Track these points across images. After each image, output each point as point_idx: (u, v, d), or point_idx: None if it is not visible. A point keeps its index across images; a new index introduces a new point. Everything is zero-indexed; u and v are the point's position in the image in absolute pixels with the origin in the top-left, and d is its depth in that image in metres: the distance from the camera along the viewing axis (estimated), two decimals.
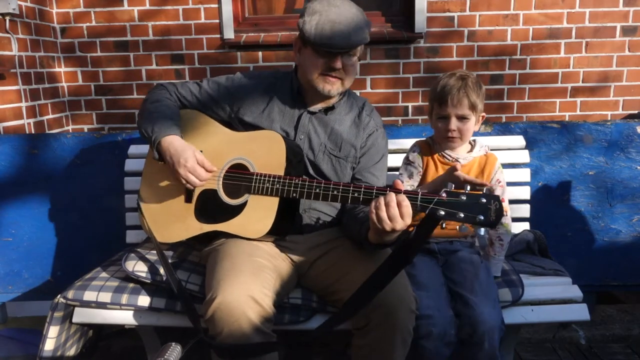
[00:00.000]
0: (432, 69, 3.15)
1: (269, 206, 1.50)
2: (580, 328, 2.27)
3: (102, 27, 3.16)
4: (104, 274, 1.72)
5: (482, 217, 1.22)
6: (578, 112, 3.22)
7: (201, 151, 1.59)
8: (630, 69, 3.15)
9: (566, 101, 3.21)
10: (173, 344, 1.19)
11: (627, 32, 3.09)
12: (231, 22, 3.11)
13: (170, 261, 1.66)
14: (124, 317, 1.62)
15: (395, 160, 1.94)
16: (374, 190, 1.34)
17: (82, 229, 2.32)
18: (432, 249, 1.68)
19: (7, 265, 2.36)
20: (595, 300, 2.41)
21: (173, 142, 1.56)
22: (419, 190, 1.29)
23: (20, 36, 2.77)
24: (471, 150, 1.70)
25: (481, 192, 1.23)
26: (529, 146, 2.09)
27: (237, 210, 1.55)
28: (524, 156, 2.04)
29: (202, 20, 3.14)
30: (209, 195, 1.60)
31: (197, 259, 1.70)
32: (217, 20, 3.13)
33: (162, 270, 1.61)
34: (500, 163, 1.70)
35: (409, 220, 1.26)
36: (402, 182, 1.59)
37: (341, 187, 1.39)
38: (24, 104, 2.76)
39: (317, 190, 1.42)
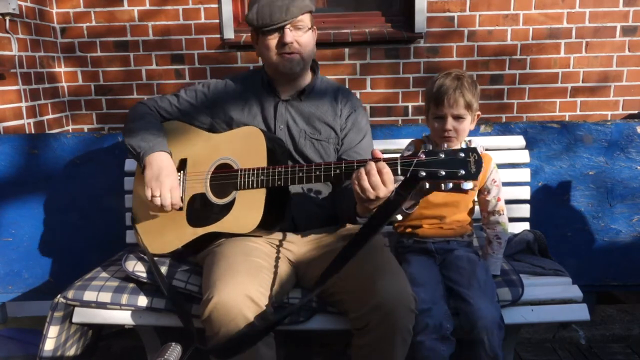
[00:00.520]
0: (432, 69, 3.15)
1: (257, 199, 1.51)
2: (580, 328, 2.27)
3: (102, 27, 3.16)
4: (104, 274, 1.72)
5: (463, 172, 1.22)
6: (578, 112, 3.22)
7: (186, 159, 1.65)
8: (630, 69, 3.15)
9: (566, 101, 3.21)
10: (173, 344, 1.18)
11: (627, 32, 3.09)
12: (231, 22, 3.11)
13: (169, 262, 1.67)
14: (124, 317, 1.62)
15: None
16: (355, 164, 1.35)
17: (82, 229, 2.32)
18: (429, 248, 1.68)
19: (7, 265, 2.36)
20: (595, 300, 2.41)
21: (163, 160, 1.62)
22: (397, 156, 1.30)
23: (20, 36, 2.77)
24: None
25: (459, 148, 1.24)
26: (529, 146, 2.08)
27: (227, 208, 1.56)
28: (524, 156, 2.04)
29: (202, 20, 3.14)
30: (198, 200, 1.63)
31: (197, 260, 1.70)
32: (217, 20, 3.13)
33: (162, 270, 1.61)
34: (495, 163, 1.71)
35: (391, 187, 1.28)
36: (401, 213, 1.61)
37: (323, 166, 1.40)
38: (24, 104, 2.76)
39: (300, 174, 1.43)
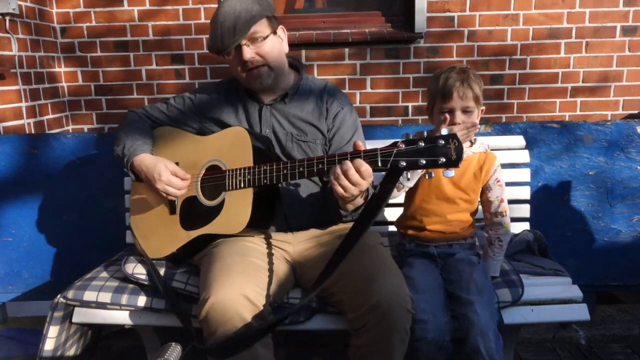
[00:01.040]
0: (432, 69, 3.14)
1: (245, 198, 1.52)
2: (580, 328, 2.27)
3: (102, 27, 3.16)
4: (104, 274, 1.72)
5: (443, 160, 1.21)
6: (578, 112, 3.22)
7: (177, 163, 1.65)
8: (630, 69, 3.15)
9: (566, 101, 3.21)
10: (173, 344, 1.18)
11: (627, 32, 3.09)
12: None
13: (168, 263, 1.68)
14: (124, 317, 1.62)
15: None
16: (336, 157, 1.35)
17: (82, 229, 2.32)
18: (431, 252, 1.67)
19: (7, 265, 2.36)
20: (595, 300, 2.41)
21: (144, 160, 1.62)
22: (377, 148, 1.29)
23: (20, 36, 2.77)
24: (471, 146, 1.70)
25: (439, 135, 1.22)
26: (529, 146, 2.08)
27: (217, 209, 1.57)
28: (524, 156, 2.04)
29: (202, 20, 3.13)
30: (191, 203, 1.63)
31: (194, 262, 1.70)
32: None
33: (161, 272, 1.62)
34: (499, 163, 1.70)
35: (371, 179, 1.30)
36: (402, 185, 1.60)
37: (306, 162, 1.40)
38: (24, 104, 2.76)
39: (285, 172, 1.43)
